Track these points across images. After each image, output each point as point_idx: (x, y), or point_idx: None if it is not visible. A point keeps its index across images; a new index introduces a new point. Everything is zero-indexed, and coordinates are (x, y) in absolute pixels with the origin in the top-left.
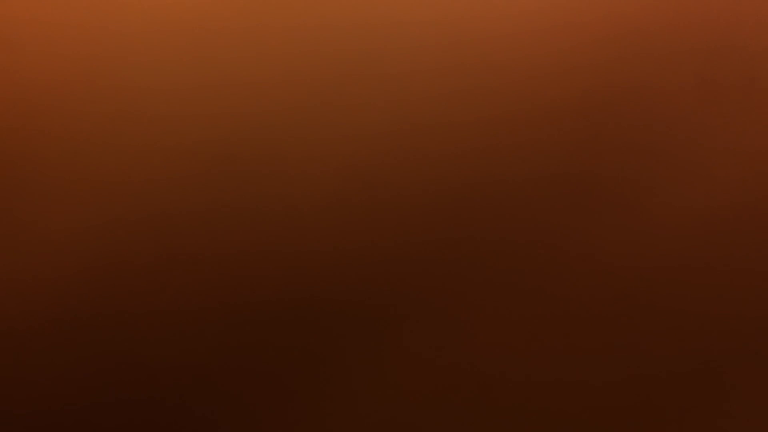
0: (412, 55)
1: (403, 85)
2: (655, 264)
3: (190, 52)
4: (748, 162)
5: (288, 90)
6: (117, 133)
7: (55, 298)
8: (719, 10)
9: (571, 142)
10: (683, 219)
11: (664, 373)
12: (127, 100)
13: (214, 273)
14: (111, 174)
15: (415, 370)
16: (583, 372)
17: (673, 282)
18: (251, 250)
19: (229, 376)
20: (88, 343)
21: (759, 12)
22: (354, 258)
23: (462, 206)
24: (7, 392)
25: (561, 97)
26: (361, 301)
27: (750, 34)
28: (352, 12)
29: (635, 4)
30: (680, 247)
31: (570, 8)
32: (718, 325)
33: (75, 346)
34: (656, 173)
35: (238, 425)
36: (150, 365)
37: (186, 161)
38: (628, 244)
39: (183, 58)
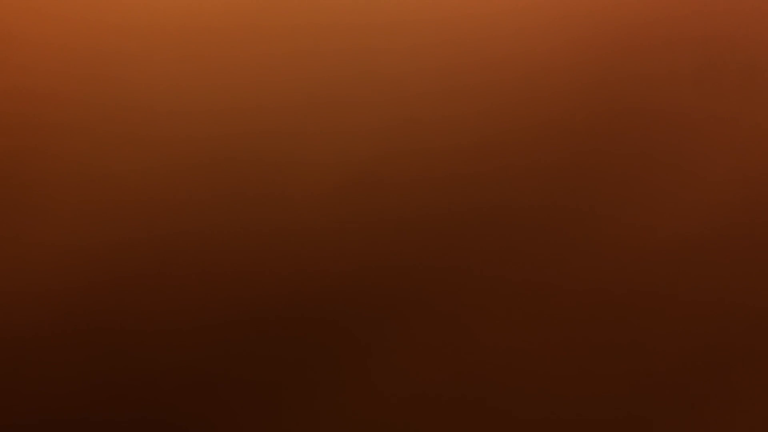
0: (407, 77)
1: (404, 85)
2: (653, 266)
3: (193, 63)
4: (746, 163)
5: (287, 97)
6: (118, 146)
7: (54, 310)
8: (717, 7)
9: (567, 146)
10: (671, 239)
11: (660, 378)
12: (128, 114)
13: (210, 284)
14: (111, 187)
15: (412, 377)
16: (575, 381)
17: (663, 298)
18: (248, 261)
19: (225, 388)
20: (86, 354)
21: (757, 16)
22: (352, 265)
23: (463, 207)
24: (6, 404)
25: (560, 92)
26: (357, 308)
27: (749, 40)
28: (350, 32)
29: (629, 4)
30: (670, 269)
31: (562, 11)
32: (695, 350)
33: (74, 357)
34: (652, 175)
35: (233, 425)
36: (147, 376)
37: (184, 160)
38: (622, 254)
39: (185, 70)
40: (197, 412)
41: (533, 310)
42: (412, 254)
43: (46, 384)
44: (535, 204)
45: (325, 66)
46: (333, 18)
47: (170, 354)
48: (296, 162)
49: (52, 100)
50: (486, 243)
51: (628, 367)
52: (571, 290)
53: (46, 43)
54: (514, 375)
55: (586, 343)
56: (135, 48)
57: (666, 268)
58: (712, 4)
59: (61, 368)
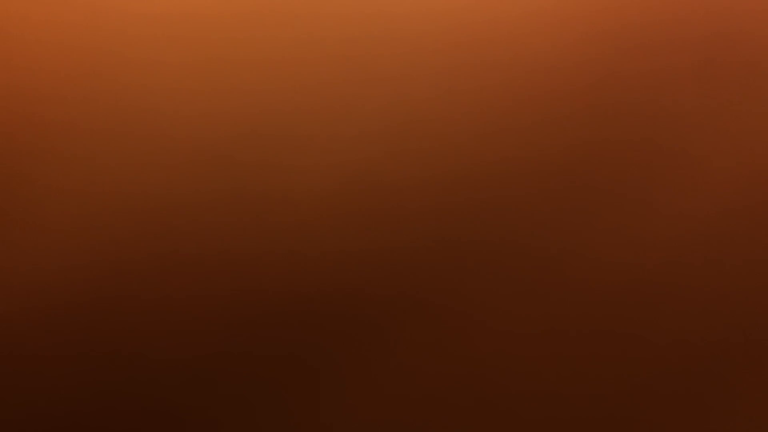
0: (404, 82)
1: (400, 90)
2: (655, 266)
3: (189, 57)
4: (747, 161)
5: (287, 95)
6: (116, 137)
7: (53, 298)
8: (718, 5)
9: (570, 143)
10: (682, 221)
11: (670, 373)
12: (126, 105)
13: (212, 276)
14: (114, 186)
15: (414, 374)
16: (582, 380)
17: (672, 284)
18: (249, 254)
19: (227, 379)
20: (86, 346)
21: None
22: (353, 260)
23: (462, 208)
24: (3, 398)
25: (562, 91)
26: (359, 304)
27: (749, 31)
28: (350, 38)
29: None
30: (679, 248)
31: (567, 2)
32: (719, 324)
33: (73, 348)
34: (655, 174)
35: (234, 426)
36: (147, 368)
37: (184, 163)
38: (629, 247)
39: (181, 64)
40: (198, 412)
41: (502, 343)
42: (411, 254)
43: (46, 391)
44: (558, 174)
45: (325, 71)
46: (333, 25)
47: (169, 350)
48: (294, 165)
49: (47, 96)
50: (513, 219)
51: (657, 337)
52: (538, 323)
53: (48, 58)
54: (543, 354)
55: (553, 387)
56: (137, 54)
57: (630, 303)
58: (712, 3)
59: (63, 355)
